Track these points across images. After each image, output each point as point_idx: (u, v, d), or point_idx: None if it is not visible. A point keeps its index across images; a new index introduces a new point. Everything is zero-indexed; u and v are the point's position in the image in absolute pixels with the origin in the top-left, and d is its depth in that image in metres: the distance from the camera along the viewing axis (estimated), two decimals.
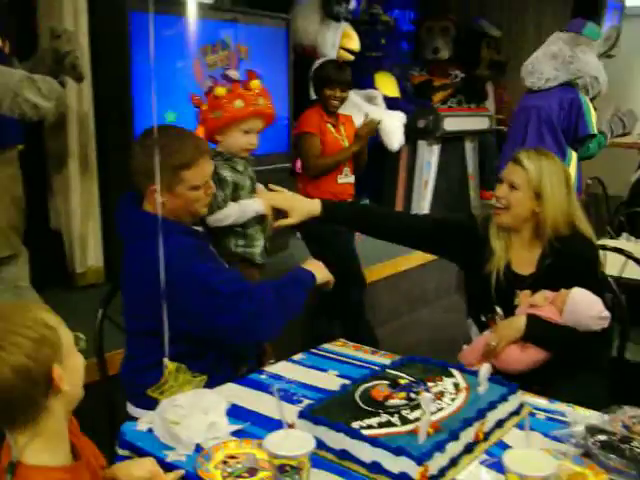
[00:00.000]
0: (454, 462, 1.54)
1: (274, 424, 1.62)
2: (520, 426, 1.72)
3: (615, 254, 2.93)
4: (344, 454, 1.55)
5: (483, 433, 1.64)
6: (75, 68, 3.45)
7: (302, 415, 1.64)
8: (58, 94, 3.24)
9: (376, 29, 6.21)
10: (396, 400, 1.70)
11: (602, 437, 1.57)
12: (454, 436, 1.54)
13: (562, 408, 1.86)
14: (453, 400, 1.73)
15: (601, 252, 2.50)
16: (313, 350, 2.31)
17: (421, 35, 7.02)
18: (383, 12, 6.39)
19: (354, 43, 5.64)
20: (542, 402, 1.91)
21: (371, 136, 4.15)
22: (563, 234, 2.30)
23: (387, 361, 2.09)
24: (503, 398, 1.74)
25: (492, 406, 1.69)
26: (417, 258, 5.22)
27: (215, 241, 2.40)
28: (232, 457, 1.58)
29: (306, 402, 1.83)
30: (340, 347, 2.34)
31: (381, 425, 1.60)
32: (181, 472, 1.53)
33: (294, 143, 4.28)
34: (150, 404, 1.85)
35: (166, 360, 1.94)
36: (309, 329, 3.94)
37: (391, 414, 1.64)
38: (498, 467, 1.49)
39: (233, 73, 2.48)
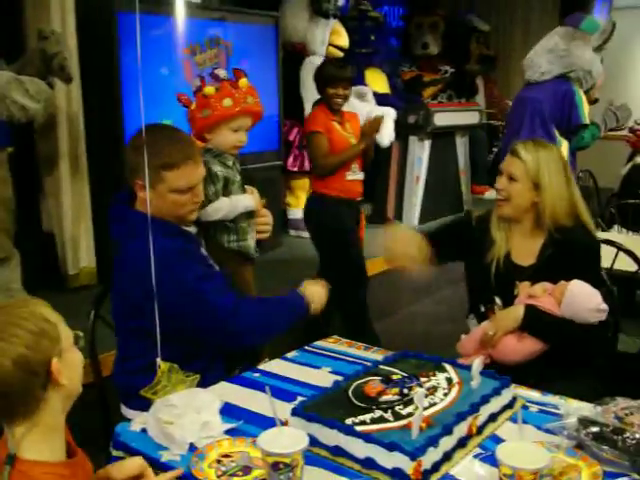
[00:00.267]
0: (448, 456, 1.54)
1: (267, 422, 1.62)
2: (513, 419, 1.73)
3: (606, 246, 2.94)
4: (338, 450, 1.55)
5: (476, 427, 1.65)
6: (63, 69, 3.44)
7: (295, 412, 1.64)
8: (46, 95, 3.24)
9: (365, 25, 6.21)
10: (389, 396, 1.70)
11: (595, 429, 1.58)
12: (447, 430, 1.54)
13: (555, 400, 1.86)
14: (446, 395, 1.73)
15: None
16: (306, 347, 2.31)
17: (410, 31, 7.02)
18: (372, 8, 6.39)
19: (343, 40, 5.65)
20: (535, 395, 1.91)
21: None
22: (565, 225, 2.31)
23: (380, 357, 2.09)
24: (496, 392, 1.74)
25: (485, 400, 1.69)
26: None
27: (207, 239, 2.41)
28: (226, 456, 1.58)
29: (299, 399, 1.83)
30: (333, 344, 2.34)
31: (374, 421, 1.60)
32: (180, 471, 1.52)
33: (304, 144, 4.27)
34: (144, 405, 1.85)
35: (159, 360, 1.94)
36: (307, 328, 3.95)
37: (384, 410, 1.64)
38: (492, 461, 1.49)
39: (221, 72, 2.52)
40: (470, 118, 6.73)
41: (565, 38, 4.34)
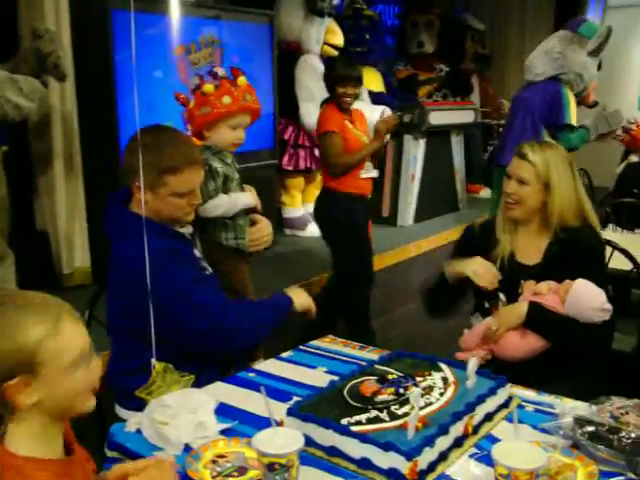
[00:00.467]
0: (443, 456, 1.54)
1: (263, 422, 1.61)
2: (509, 419, 1.73)
3: None
4: (333, 451, 1.55)
5: (472, 427, 1.64)
6: (58, 68, 3.44)
7: (290, 412, 1.63)
8: (40, 94, 3.23)
9: (360, 24, 6.20)
10: (385, 396, 1.69)
11: (590, 428, 1.58)
12: (443, 430, 1.54)
13: (550, 400, 1.86)
14: (442, 394, 1.72)
15: None
16: (301, 347, 2.30)
17: (406, 29, 7.02)
18: (367, 7, 6.38)
19: (338, 38, 5.64)
20: (530, 394, 1.91)
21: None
22: (571, 224, 2.31)
23: (375, 356, 2.08)
24: (492, 391, 1.74)
25: (481, 400, 1.69)
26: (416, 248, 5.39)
27: (204, 236, 2.42)
28: (221, 456, 1.58)
29: (295, 399, 1.83)
30: (328, 343, 2.34)
31: (370, 421, 1.59)
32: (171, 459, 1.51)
33: (317, 144, 4.29)
34: (138, 405, 1.84)
35: (153, 361, 1.93)
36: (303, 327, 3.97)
37: (380, 410, 1.64)
38: (487, 460, 1.49)
39: (220, 70, 2.54)
40: (465, 117, 6.74)
41: (563, 41, 4.44)
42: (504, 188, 2.38)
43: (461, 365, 1.85)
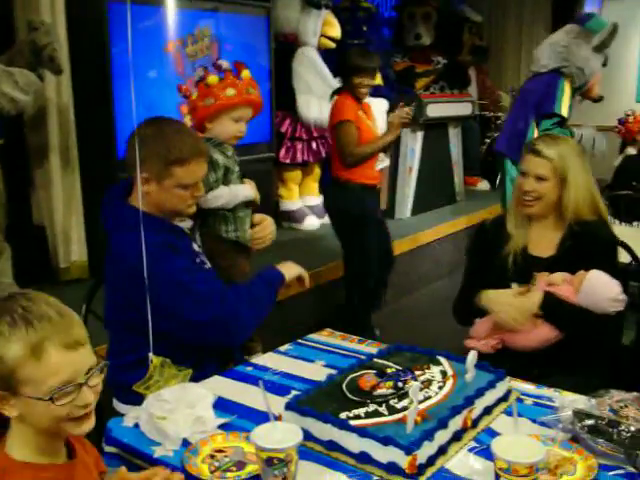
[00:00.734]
0: (443, 450, 1.53)
1: (261, 416, 1.61)
2: (508, 412, 1.73)
3: None
4: (332, 445, 1.54)
5: (471, 420, 1.64)
6: (53, 60, 3.42)
7: (289, 407, 1.63)
8: (36, 87, 3.21)
9: (357, 16, 6.17)
10: (383, 389, 1.69)
11: (590, 421, 1.57)
12: (442, 424, 1.54)
13: (549, 393, 1.86)
14: (441, 388, 1.72)
15: None
16: (299, 340, 2.30)
17: (403, 21, 6.98)
18: None
19: (335, 30, 5.62)
20: (529, 387, 1.91)
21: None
22: (586, 218, 2.31)
23: (374, 350, 2.08)
24: (491, 385, 1.73)
25: (480, 393, 1.69)
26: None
27: (205, 229, 2.43)
28: (219, 451, 1.57)
29: (293, 393, 1.82)
30: (327, 337, 2.33)
31: (369, 415, 1.59)
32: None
33: (331, 134, 4.28)
34: (136, 400, 1.83)
35: (151, 355, 1.93)
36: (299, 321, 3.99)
37: (379, 404, 1.63)
38: (487, 454, 1.49)
39: (224, 63, 2.56)
40: (463, 109, 6.72)
41: (569, 34, 4.49)
42: (521, 187, 2.35)
43: (460, 358, 1.84)
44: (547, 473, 1.44)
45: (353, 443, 1.51)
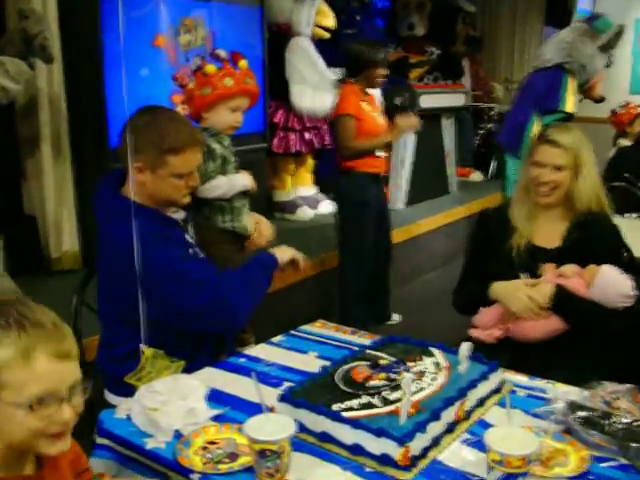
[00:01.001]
0: (436, 442, 1.53)
1: (254, 408, 1.60)
2: (501, 404, 1.72)
3: None
4: (325, 437, 1.54)
5: (464, 412, 1.64)
6: (44, 49, 3.39)
7: (282, 398, 1.62)
8: (27, 76, 3.18)
9: (351, 6, 6.15)
10: (376, 381, 1.69)
11: (583, 413, 1.57)
12: (435, 416, 1.53)
13: (542, 385, 1.86)
14: (434, 380, 1.72)
15: None
16: (292, 332, 2.29)
17: (396, 11, 6.96)
18: None
19: (329, 20, 5.58)
20: (522, 379, 1.91)
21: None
22: (594, 209, 2.31)
23: (367, 341, 2.08)
24: (484, 376, 1.73)
25: (473, 385, 1.68)
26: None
27: (201, 220, 2.43)
28: (212, 443, 1.56)
29: (286, 385, 1.82)
30: (320, 328, 2.33)
31: (362, 406, 1.59)
32: None
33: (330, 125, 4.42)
34: (128, 391, 1.82)
35: (142, 346, 1.92)
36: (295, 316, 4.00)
37: (372, 395, 1.63)
38: (480, 446, 1.49)
39: (222, 53, 2.59)
40: (456, 100, 6.71)
41: (575, 32, 4.56)
42: (537, 178, 2.32)
43: (453, 350, 1.84)
44: (540, 465, 1.44)
45: (346, 435, 1.51)
